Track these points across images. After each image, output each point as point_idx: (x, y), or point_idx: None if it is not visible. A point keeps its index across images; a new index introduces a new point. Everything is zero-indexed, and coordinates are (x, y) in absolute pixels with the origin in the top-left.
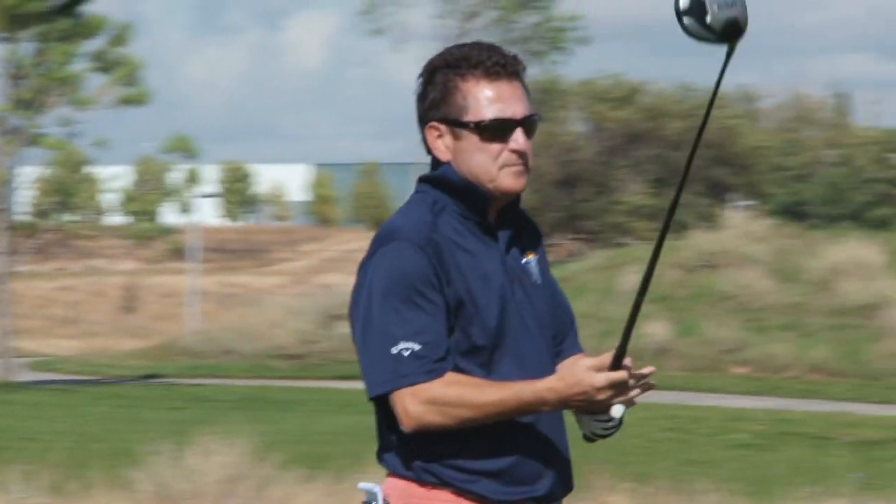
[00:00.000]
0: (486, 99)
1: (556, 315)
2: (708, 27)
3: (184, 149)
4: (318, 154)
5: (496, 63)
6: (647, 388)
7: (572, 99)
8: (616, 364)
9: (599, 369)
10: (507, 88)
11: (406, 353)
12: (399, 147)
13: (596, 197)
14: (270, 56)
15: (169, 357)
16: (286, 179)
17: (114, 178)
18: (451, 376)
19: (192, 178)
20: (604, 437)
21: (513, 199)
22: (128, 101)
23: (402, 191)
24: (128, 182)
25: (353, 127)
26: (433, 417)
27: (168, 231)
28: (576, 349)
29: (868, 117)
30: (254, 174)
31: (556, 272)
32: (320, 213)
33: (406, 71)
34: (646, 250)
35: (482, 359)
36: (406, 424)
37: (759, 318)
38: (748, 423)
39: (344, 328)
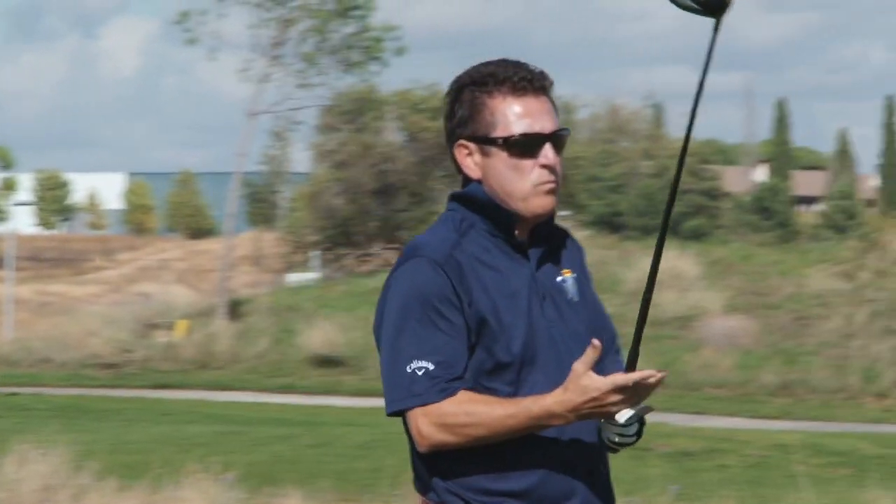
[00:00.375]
0: (513, 115)
1: (595, 333)
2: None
3: None
4: (133, 163)
5: (522, 79)
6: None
7: (389, 109)
8: (628, 369)
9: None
10: (534, 104)
11: (420, 372)
12: (215, 156)
13: (413, 207)
14: (86, 64)
15: None
16: (102, 188)
17: None
18: (462, 395)
19: (8, 187)
20: (624, 444)
21: (545, 217)
22: None
23: (217, 199)
24: None
25: (169, 135)
26: (445, 437)
27: None
28: (616, 367)
29: (682, 129)
30: (69, 183)
31: (373, 282)
32: (136, 221)
33: (222, 80)
34: None
35: (509, 377)
36: (420, 444)
37: None
38: None
39: (158, 337)
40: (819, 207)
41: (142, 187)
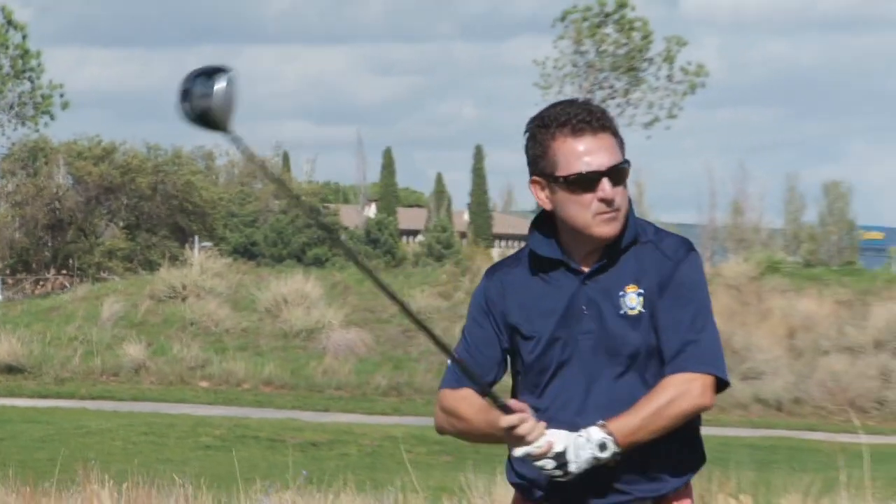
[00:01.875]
0: (572, 154)
1: (648, 342)
2: (187, 115)
3: None
4: None
5: (581, 120)
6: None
7: (57, 156)
8: (504, 410)
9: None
10: (592, 142)
11: (450, 363)
12: None
13: (80, 239)
14: None
15: None
16: None
17: None
18: (464, 391)
19: None
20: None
21: (608, 241)
22: None
23: None
24: None
25: None
26: (442, 423)
27: None
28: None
29: (304, 173)
30: None
31: (46, 302)
32: None
33: None
34: (123, 283)
35: (531, 381)
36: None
37: (219, 340)
38: (212, 428)
39: None
40: (420, 238)
41: None
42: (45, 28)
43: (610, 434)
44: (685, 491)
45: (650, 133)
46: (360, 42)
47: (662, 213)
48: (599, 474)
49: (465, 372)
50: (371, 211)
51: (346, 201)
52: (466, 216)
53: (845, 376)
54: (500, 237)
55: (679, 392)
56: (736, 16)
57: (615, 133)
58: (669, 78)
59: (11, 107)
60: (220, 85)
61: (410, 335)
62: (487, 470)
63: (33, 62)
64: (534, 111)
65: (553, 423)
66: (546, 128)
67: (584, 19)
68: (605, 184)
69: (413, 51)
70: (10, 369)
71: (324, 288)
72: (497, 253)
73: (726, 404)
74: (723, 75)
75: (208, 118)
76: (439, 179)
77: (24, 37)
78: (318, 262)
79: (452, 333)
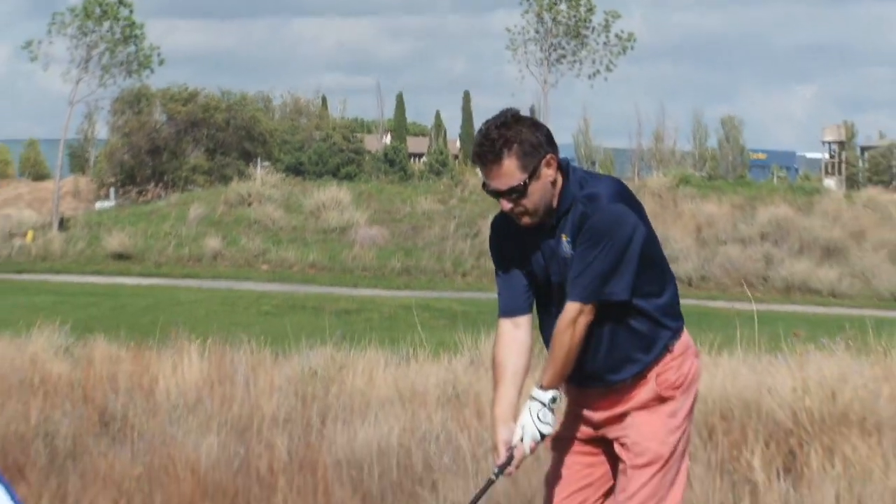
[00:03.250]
0: (485, 177)
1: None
2: None
3: None
4: None
5: (479, 154)
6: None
7: (155, 99)
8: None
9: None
10: (490, 172)
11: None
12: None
13: (172, 160)
14: None
15: None
16: None
17: None
18: (503, 322)
19: None
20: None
21: (533, 225)
22: None
23: (51, 156)
24: None
25: (21, 115)
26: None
27: None
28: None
29: (338, 111)
30: None
31: (147, 208)
32: (0, 171)
33: (53, 81)
34: (204, 192)
35: (538, 301)
36: None
37: (275, 234)
38: (270, 299)
39: (16, 241)
40: (424, 160)
41: (3, 150)
42: (146, 5)
43: (549, 387)
44: (666, 358)
45: (593, 83)
46: (379, 15)
47: (604, 140)
48: (594, 372)
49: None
50: (387, 139)
51: (369, 132)
52: (458, 143)
53: (738, 260)
54: None
55: (562, 329)
56: None
57: (514, 156)
58: (606, 43)
59: (122, 63)
60: None
61: (417, 230)
62: (474, 331)
63: (137, 31)
64: (505, 68)
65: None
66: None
67: None
68: (504, 202)
69: (418, 21)
70: (121, 256)
71: (353, 196)
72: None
73: None
74: (647, 37)
75: None
76: (438, 116)
77: (130, 12)
78: (349, 177)
79: (448, 229)
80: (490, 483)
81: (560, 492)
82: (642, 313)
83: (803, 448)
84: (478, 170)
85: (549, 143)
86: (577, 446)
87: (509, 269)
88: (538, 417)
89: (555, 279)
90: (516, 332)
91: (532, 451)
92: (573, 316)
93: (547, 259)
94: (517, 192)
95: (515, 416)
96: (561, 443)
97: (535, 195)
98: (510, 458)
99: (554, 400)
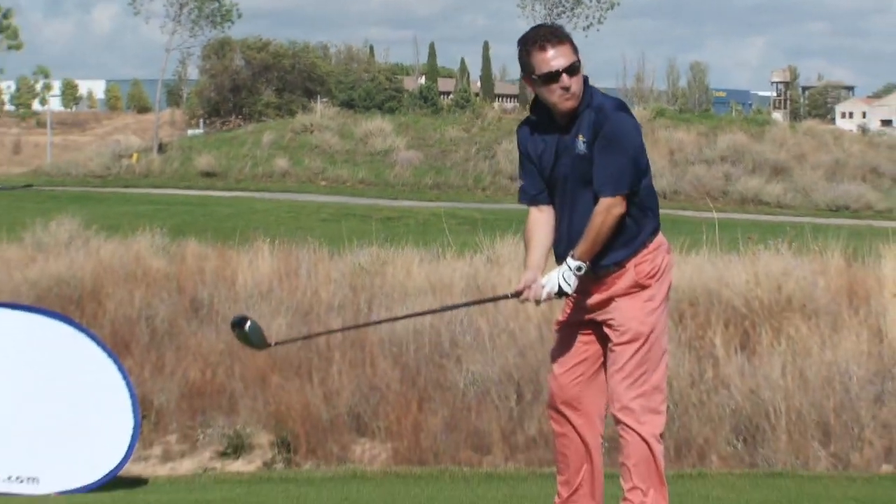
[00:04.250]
0: (542, 61)
1: (586, 176)
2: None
3: None
4: (111, 73)
5: (545, 37)
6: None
7: (235, 47)
8: (516, 295)
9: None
10: (553, 51)
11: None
12: (151, 70)
13: (249, 97)
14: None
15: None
16: (95, 88)
17: None
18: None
19: (47, 88)
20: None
21: (571, 111)
22: None
23: (152, 92)
24: None
25: (128, 60)
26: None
27: None
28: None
29: (383, 58)
30: (77, 85)
31: (229, 135)
32: (112, 105)
33: (153, 31)
34: (275, 123)
35: (550, 193)
36: None
37: (332, 156)
38: (328, 209)
39: (124, 161)
40: (451, 97)
41: (114, 88)
42: None
43: (579, 259)
44: (642, 252)
45: (587, 34)
46: None
47: (595, 81)
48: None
49: None
50: (422, 80)
51: (407, 74)
52: (479, 83)
53: (703, 177)
54: (499, 96)
55: (598, 213)
56: None
57: (570, 42)
58: (599, 0)
59: (207, 16)
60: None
61: (446, 154)
62: (492, 235)
63: None
64: (516, 22)
65: (563, 224)
66: (525, 44)
67: None
68: (564, 77)
69: None
70: (208, 174)
71: (394, 126)
72: (497, 106)
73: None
74: None
75: (252, 343)
76: (462, 62)
77: None
78: (391, 111)
79: (470, 152)
80: (503, 296)
81: (561, 365)
82: (631, 209)
83: (755, 329)
84: (535, 59)
85: None
86: (575, 329)
87: (532, 167)
88: (563, 277)
89: (561, 172)
90: (541, 215)
91: (546, 298)
92: (608, 205)
93: (560, 153)
94: (575, 68)
95: (542, 272)
96: (563, 327)
97: (579, 81)
98: (524, 291)
99: (580, 269)
